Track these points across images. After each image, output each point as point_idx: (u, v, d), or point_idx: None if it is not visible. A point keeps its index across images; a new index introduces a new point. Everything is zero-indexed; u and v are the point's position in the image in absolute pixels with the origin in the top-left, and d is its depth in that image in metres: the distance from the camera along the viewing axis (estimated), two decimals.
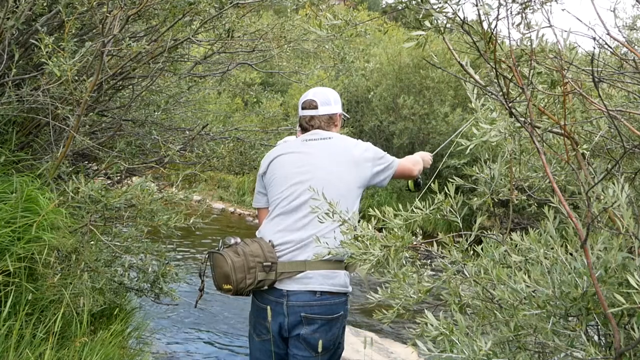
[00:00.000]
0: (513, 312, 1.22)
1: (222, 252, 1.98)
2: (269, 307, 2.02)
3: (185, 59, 3.41)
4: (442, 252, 1.46)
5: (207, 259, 2.08)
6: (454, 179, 1.52)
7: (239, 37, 3.40)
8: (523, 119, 1.28)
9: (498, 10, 1.19)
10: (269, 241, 2.04)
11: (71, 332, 2.39)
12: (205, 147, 3.56)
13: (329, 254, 1.64)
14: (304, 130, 2.25)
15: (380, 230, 1.51)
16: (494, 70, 1.24)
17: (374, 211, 1.62)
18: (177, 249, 6.80)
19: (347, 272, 2.05)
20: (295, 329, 2.00)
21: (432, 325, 1.24)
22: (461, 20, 1.21)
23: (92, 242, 2.54)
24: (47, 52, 2.16)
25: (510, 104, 1.26)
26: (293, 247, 2.01)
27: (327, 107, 2.23)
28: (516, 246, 1.34)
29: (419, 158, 2.56)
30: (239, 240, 2.05)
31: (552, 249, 1.25)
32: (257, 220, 2.31)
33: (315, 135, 2.20)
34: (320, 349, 1.97)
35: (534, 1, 1.25)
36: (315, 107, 2.21)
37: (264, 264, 1.97)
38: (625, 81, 1.62)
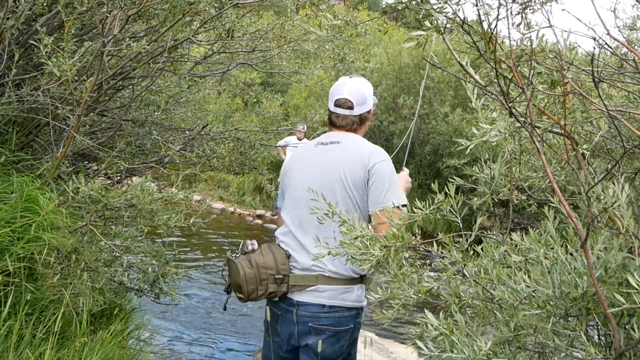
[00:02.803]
0: (513, 312, 1.22)
1: (236, 262, 1.98)
2: (267, 308, 2.05)
3: (185, 59, 3.41)
4: (442, 252, 1.46)
5: (225, 264, 2.09)
6: (454, 179, 1.52)
7: (239, 37, 3.40)
8: (523, 119, 1.28)
9: (498, 10, 1.19)
10: (285, 251, 2.03)
11: (71, 332, 2.39)
12: (205, 147, 3.56)
13: (329, 254, 1.63)
14: (332, 125, 2.14)
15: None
16: (494, 70, 1.24)
17: (374, 211, 1.61)
18: (177, 248, 6.79)
19: (361, 285, 2.02)
20: (305, 338, 2.00)
21: (432, 326, 1.24)
22: (461, 20, 1.21)
23: (92, 242, 2.54)
24: (46, 52, 2.16)
25: (510, 104, 1.26)
26: (302, 262, 2.00)
27: (362, 106, 2.10)
28: (516, 246, 1.34)
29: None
30: (256, 246, 2.03)
31: (552, 249, 1.25)
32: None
33: (326, 139, 2.11)
34: (319, 349, 1.97)
35: (534, 1, 1.25)
36: (351, 108, 2.08)
37: (276, 276, 1.96)
38: (625, 81, 1.62)
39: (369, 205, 1.97)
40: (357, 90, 2.10)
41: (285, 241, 2.07)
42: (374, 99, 2.18)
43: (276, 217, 2.32)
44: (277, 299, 2.01)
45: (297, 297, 1.99)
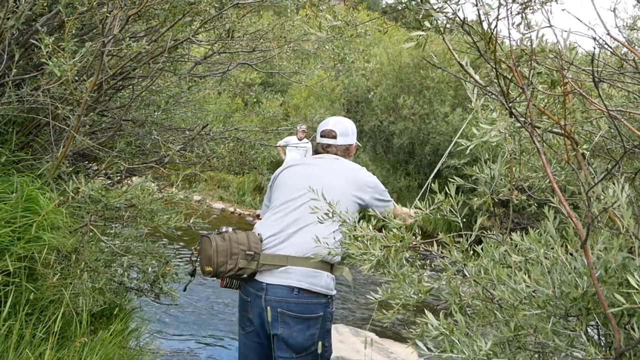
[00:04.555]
0: (513, 312, 1.22)
1: (209, 237, 2.05)
2: (268, 310, 2.04)
3: (186, 59, 3.41)
4: (442, 252, 1.46)
5: (198, 244, 2.15)
6: (454, 179, 1.52)
7: (239, 37, 3.40)
8: (523, 119, 1.28)
9: (498, 10, 1.19)
10: (258, 234, 2.10)
11: (71, 332, 2.39)
12: (205, 147, 3.55)
13: (328, 254, 1.64)
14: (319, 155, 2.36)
15: (380, 230, 1.51)
16: (494, 70, 1.24)
17: (374, 211, 1.61)
18: (177, 249, 6.80)
19: (331, 274, 2.07)
20: (274, 326, 2.03)
21: (432, 326, 1.24)
22: (461, 20, 1.21)
23: (92, 242, 2.54)
24: (47, 52, 2.16)
25: (510, 104, 1.26)
26: (277, 239, 2.06)
27: (345, 137, 2.34)
28: (516, 246, 1.34)
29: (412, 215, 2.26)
30: (230, 229, 2.11)
31: (552, 249, 1.25)
32: (257, 220, 2.37)
33: (325, 156, 2.32)
34: (303, 345, 1.98)
35: (534, 1, 1.25)
36: (334, 137, 2.33)
37: (247, 252, 2.01)
38: (625, 81, 1.62)
39: (380, 211, 2.17)
40: (340, 124, 2.37)
41: (264, 224, 2.14)
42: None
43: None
44: (245, 276, 2.04)
45: (266, 279, 2.02)
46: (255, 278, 2.04)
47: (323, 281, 2.03)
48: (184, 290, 2.29)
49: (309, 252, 1.98)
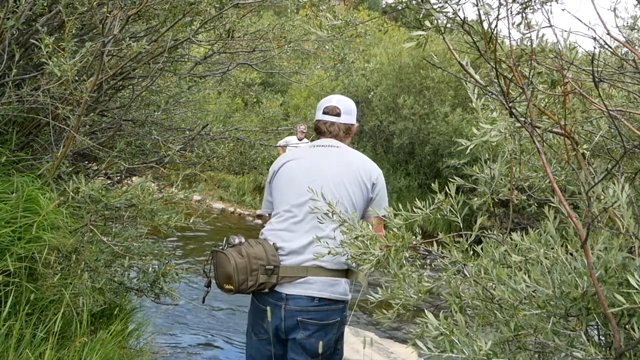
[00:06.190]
0: (513, 312, 1.22)
1: (225, 252, 1.99)
2: (268, 309, 2.02)
3: (186, 59, 3.41)
4: (442, 252, 1.46)
5: (211, 257, 2.09)
6: (454, 179, 1.52)
7: (239, 37, 3.40)
8: (523, 119, 1.28)
9: (498, 10, 1.19)
10: (273, 244, 2.05)
11: (71, 332, 2.39)
12: (205, 147, 3.55)
13: (328, 254, 1.63)
14: (320, 134, 2.27)
15: None
16: (494, 70, 1.24)
17: (374, 211, 1.61)
18: (177, 248, 6.80)
19: (347, 279, 2.06)
20: (292, 332, 2.01)
21: (432, 325, 1.24)
22: (461, 20, 1.21)
23: (92, 242, 2.54)
24: (47, 52, 2.16)
25: (510, 104, 1.26)
26: (294, 249, 2.02)
27: (348, 116, 2.25)
28: (516, 246, 1.34)
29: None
30: (243, 239, 2.05)
31: (552, 249, 1.25)
32: (257, 221, 2.35)
33: (324, 142, 2.22)
34: (320, 350, 1.97)
35: (534, 1, 1.25)
36: (338, 115, 2.23)
37: (267, 267, 1.97)
38: (626, 81, 1.62)
39: (377, 208, 2.09)
40: (344, 101, 2.27)
41: (276, 233, 2.08)
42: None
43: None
44: (266, 290, 2.01)
45: (286, 290, 1.99)
46: (275, 289, 2.01)
47: (341, 288, 2.02)
48: (203, 302, 2.26)
49: (328, 263, 1.97)
